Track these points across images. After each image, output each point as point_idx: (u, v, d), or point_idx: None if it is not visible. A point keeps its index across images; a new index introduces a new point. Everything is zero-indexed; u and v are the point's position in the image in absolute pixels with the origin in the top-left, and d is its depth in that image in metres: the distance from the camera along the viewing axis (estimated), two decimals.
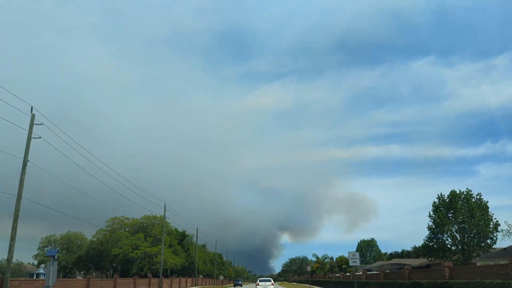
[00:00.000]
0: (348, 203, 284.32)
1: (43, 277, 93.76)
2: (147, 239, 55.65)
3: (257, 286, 43.46)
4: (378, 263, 78.06)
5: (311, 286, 51.95)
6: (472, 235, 37.53)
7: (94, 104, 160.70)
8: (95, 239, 64.69)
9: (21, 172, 19.92)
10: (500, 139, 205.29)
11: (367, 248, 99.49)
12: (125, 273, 58.36)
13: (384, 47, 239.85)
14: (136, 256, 52.21)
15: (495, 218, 37.02)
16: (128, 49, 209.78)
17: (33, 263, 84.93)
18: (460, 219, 38.25)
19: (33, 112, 20.55)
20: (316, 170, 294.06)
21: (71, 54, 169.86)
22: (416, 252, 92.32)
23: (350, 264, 24.98)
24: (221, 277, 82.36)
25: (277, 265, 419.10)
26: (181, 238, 70.23)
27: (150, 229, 57.92)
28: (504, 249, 35.51)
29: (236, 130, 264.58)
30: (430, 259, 41.06)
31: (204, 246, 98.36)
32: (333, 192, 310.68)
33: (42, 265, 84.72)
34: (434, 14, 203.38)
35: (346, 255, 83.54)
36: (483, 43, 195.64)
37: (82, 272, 73.47)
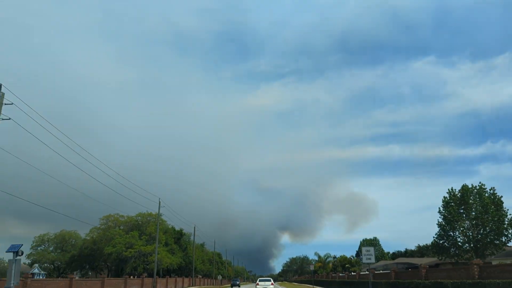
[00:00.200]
0: (348, 203, 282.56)
1: (37, 277, 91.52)
2: (142, 237, 53.33)
3: (257, 286, 43.14)
4: (382, 262, 75.67)
5: (314, 286, 49.55)
6: (485, 232, 35.15)
7: (94, 104, 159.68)
8: (88, 238, 62.54)
9: None
10: (500, 139, 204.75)
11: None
12: (119, 273, 56.04)
13: (384, 47, 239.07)
14: (130, 255, 49.88)
15: (511, 214, 34.66)
16: (128, 49, 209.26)
17: (26, 262, 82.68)
18: (472, 215, 35.88)
19: (2, 91, 18.17)
20: (316, 170, 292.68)
21: (71, 53, 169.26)
22: (421, 251, 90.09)
23: (364, 261, 22.48)
24: (220, 277, 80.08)
25: (277, 265, 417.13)
26: (178, 237, 67.81)
27: (145, 227, 55.57)
28: None
29: (236, 130, 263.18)
30: (440, 258, 38.64)
31: (202, 245, 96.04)
32: (333, 192, 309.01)
33: (36, 265, 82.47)
34: (434, 14, 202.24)
35: (348, 255, 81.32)
36: (483, 43, 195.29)
37: (75, 272, 71.20)
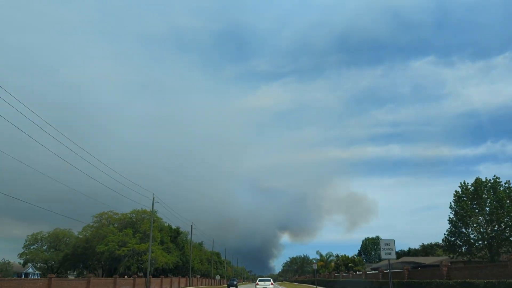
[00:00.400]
0: (348, 203, 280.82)
1: (31, 277, 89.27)
2: (136, 235, 50.94)
3: (257, 286, 43.05)
4: (385, 261, 73.36)
5: (317, 287, 47.09)
6: (501, 229, 32.76)
7: (93, 104, 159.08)
8: (81, 236, 60.32)
9: None
10: (500, 139, 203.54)
11: (371, 246, 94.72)
12: (112, 272, 53.67)
13: (384, 47, 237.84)
14: (123, 254, 47.50)
15: None
16: (127, 48, 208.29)
17: (19, 262, 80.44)
18: (486, 210, 33.52)
19: None
20: (316, 170, 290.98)
21: (70, 53, 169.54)
22: (425, 250, 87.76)
23: (383, 256, 19.72)
24: (218, 277, 77.72)
25: (277, 265, 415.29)
26: (175, 235, 65.43)
27: (139, 225, 53.16)
28: None
29: (236, 130, 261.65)
30: (452, 256, 36.23)
31: (200, 244, 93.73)
32: (333, 192, 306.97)
33: (30, 264, 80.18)
34: (434, 13, 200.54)
35: (348, 255, 78.82)
36: (483, 43, 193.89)
37: (69, 272, 68.92)
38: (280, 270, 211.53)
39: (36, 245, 75.05)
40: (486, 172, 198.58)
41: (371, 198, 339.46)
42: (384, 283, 25.41)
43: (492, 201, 33.47)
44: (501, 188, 33.69)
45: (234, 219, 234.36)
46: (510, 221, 31.98)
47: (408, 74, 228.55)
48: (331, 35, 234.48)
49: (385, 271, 30.00)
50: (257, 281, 45.09)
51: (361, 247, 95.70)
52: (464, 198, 35.17)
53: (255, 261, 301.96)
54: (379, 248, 19.92)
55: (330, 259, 68.19)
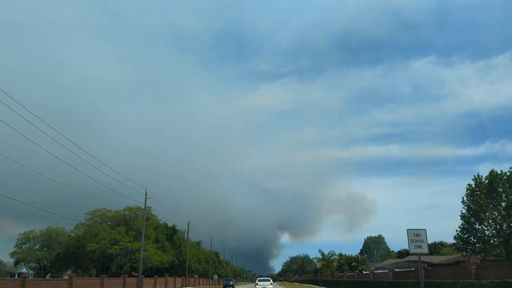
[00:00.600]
0: (348, 203, 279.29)
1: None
2: (129, 233, 48.53)
3: (256, 286, 42.85)
4: (389, 261, 71.01)
5: (320, 287, 44.64)
6: None
7: (93, 103, 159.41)
8: (73, 235, 58.02)
9: None
10: (500, 139, 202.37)
11: (374, 245, 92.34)
12: (104, 272, 51.28)
13: (384, 47, 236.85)
14: (115, 252, 45.10)
15: None
16: (127, 48, 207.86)
17: (11, 261, 78.07)
18: (502, 204, 31.15)
19: None
20: (316, 170, 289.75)
21: (70, 52, 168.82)
22: (429, 249, 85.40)
23: (412, 250, 16.88)
24: (216, 277, 75.44)
25: (277, 265, 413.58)
26: (171, 234, 63.02)
27: (133, 222, 50.74)
28: None
29: (236, 130, 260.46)
30: (465, 254, 33.83)
31: (198, 243, 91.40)
32: (333, 192, 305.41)
33: (22, 263, 77.93)
34: (434, 13, 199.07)
35: (352, 254, 76.35)
36: (483, 43, 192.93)
37: (64, 272, 66.65)
38: (280, 270, 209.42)
39: (28, 244, 72.69)
40: (486, 173, 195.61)
41: (371, 198, 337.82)
42: (396, 284, 22.86)
43: (508, 195, 31.13)
44: None
45: (234, 219, 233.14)
46: None
47: (408, 74, 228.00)
48: (331, 35, 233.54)
49: (396, 270, 27.65)
50: (257, 281, 44.85)
51: (363, 246, 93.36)
52: (478, 192, 32.81)
53: (255, 261, 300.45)
54: (409, 240, 16.73)
55: (332, 258, 65.76)
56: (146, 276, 51.36)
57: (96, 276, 51.94)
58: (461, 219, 33.99)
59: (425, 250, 17.58)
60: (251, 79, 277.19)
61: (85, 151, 32.36)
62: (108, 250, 45.03)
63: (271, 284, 42.79)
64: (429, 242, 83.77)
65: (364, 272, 44.28)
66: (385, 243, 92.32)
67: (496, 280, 14.66)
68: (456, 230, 33.88)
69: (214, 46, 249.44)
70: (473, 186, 33.40)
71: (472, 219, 33.00)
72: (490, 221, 31.71)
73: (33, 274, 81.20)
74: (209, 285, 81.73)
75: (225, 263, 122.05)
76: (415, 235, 17.26)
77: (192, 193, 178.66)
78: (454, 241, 34.41)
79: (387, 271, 29.21)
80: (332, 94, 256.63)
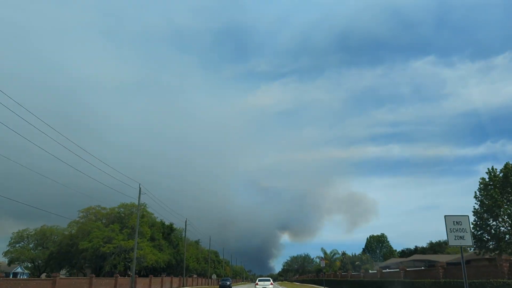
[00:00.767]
0: (348, 202, 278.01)
1: (20, 277, 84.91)
2: (123, 231, 46.53)
3: (256, 286, 43.00)
4: (393, 260, 69.00)
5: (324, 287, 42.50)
6: None
7: (93, 102, 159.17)
8: (67, 233, 56.16)
9: None
10: (500, 139, 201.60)
11: (376, 244, 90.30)
12: (98, 271, 49.32)
13: (385, 46, 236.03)
14: (108, 251, 43.10)
15: None
16: (127, 48, 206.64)
17: (3, 261, 76.14)
18: None
19: None
20: (316, 169, 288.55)
21: (69, 52, 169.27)
22: (433, 248, 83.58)
23: (451, 243, 13.30)
24: (214, 276, 73.57)
25: (277, 265, 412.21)
26: (168, 232, 61.01)
27: (128, 220, 48.75)
28: None
29: (236, 130, 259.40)
30: (478, 252, 31.77)
31: (197, 242, 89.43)
32: (333, 191, 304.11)
33: (17, 263, 76.13)
34: (434, 13, 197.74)
35: (356, 253, 74.30)
36: (483, 42, 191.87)
37: (60, 271, 64.79)
38: (280, 270, 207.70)
39: (22, 243, 70.75)
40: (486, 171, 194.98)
41: (371, 198, 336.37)
42: (411, 284, 20.67)
43: None
44: None
45: (234, 218, 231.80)
46: None
47: (408, 74, 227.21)
48: (331, 35, 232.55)
49: (407, 269, 25.56)
50: (257, 281, 44.92)
51: (365, 245, 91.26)
52: (492, 187, 30.76)
53: (255, 261, 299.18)
54: (448, 229, 13.14)
55: (334, 257, 63.66)
56: (141, 276, 49.38)
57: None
58: (474, 215, 31.93)
59: (469, 241, 14.17)
60: (251, 79, 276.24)
61: (78, 146, 31.30)
62: (101, 248, 43.07)
63: (271, 284, 42.94)
64: (430, 241, 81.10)
65: (370, 271, 42.11)
66: (388, 242, 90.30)
67: None
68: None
69: (214, 46, 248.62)
70: (487, 180, 31.35)
71: (486, 215, 30.97)
72: (505, 217, 29.69)
73: (28, 274, 79.31)
74: (208, 285, 79.77)
75: (225, 262, 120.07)
76: (455, 223, 13.95)
77: (192, 192, 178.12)
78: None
79: (397, 270, 27.07)
80: (332, 94, 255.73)
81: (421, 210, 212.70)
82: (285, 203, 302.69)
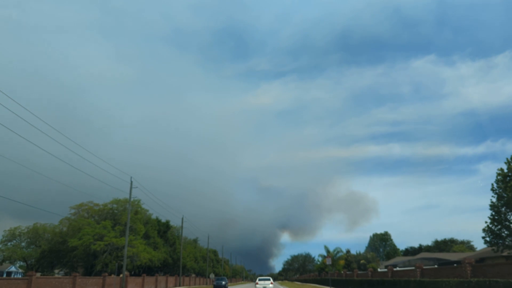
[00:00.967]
0: (348, 202, 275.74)
1: (14, 276, 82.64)
2: (115, 228, 44.14)
3: (256, 285, 43.06)
4: (398, 259, 66.66)
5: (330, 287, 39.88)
6: None
7: (93, 101, 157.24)
8: (57, 230, 53.82)
9: None
10: (500, 138, 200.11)
11: (380, 243, 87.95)
12: (89, 270, 46.95)
13: (385, 45, 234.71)
14: (99, 249, 40.72)
15: None
16: (128, 47, 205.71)
17: None
18: None
19: None
20: (316, 169, 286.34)
21: (70, 51, 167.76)
22: (438, 247, 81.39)
23: None
24: (212, 276, 71.31)
25: (277, 264, 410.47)
26: (164, 230, 58.62)
27: (121, 216, 46.36)
28: None
29: (236, 129, 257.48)
30: (496, 249, 29.38)
31: (195, 241, 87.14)
32: (334, 191, 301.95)
33: (7, 261, 73.83)
34: (435, 11, 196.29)
35: (360, 252, 71.89)
36: (483, 42, 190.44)
37: (45, 270, 62.47)
38: (280, 269, 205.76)
39: (15, 241, 68.39)
40: (486, 171, 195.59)
41: (371, 197, 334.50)
42: (431, 284, 18.07)
43: None
44: None
45: (234, 218, 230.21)
46: None
47: (409, 73, 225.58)
48: (331, 34, 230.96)
49: (424, 267, 22.99)
50: (257, 280, 44.84)
51: (368, 244, 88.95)
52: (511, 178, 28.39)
53: (255, 260, 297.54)
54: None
55: (338, 255, 61.37)
56: (134, 275, 47.00)
57: (82, 276, 47.67)
58: (491, 209, 29.58)
59: None
60: (252, 78, 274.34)
61: (74, 142, 29.77)
62: (92, 246, 40.68)
63: (271, 283, 42.81)
64: (436, 239, 78.81)
65: (379, 270, 39.79)
66: (391, 240, 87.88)
67: None
68: (486, 222, 29.44)
69: (214, 45, 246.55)
70: (505, 171, 28.96)
71: (504, 209, 28.61)
72: None
73: (22, 273, 77.23)
74: (206, 284, 77.43)
75: (224, 262, 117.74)
76: None
77: (191, 192, 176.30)
78: (483, 235, 29.93)
79: (412, 268, 24.57)
80: (332, 93, 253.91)
81: (421, 209, 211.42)
82: (286, 202, 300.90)
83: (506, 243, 28.86)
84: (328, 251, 62.37)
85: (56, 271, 63.58)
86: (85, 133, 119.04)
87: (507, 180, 28.50)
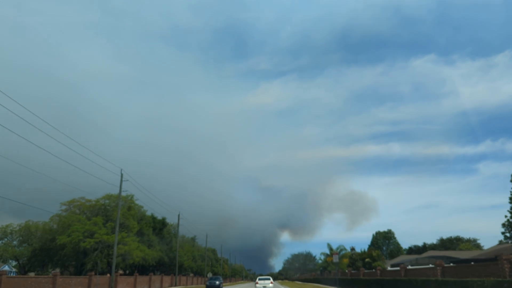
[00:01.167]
0: (348, 201, 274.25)
1: (8, 275, 80.00)
2: (107, 225, 41.73)
3: (256, 285, 43.03)
4: (403, 257, 64.33)
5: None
6: None
7: (93, 101, 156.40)
8: (47, 228, 51.48)
9: None
10: (500, 137, 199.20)
11: (383, 241, 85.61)
12: (79, 269, 44.60)
13: (385, 45, 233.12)
14: (89, 246, 38.33)
15: None
16: (127, 46, 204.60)
17: None
18: None
19: None
20: (316, 168, 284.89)
21: (70, 50, 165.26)
22: (444, 245, 79.18)
23: None
24: (210, 275, 69.09)
25: (277, 264, 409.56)
26: (160, 227, 56.23)
27: (113, 212, 43.95)
28: None
29: (236, 128, 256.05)
30: None
31: (193, 239, 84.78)
32: (334, 190, 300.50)
33: (1, 261, 71.59)
34: (435, 10, 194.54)
35: (364, 249, 69.51)
36: (483, 41, 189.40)
37: (37, 269, 60.28)
38: (280, 268, 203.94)
39: (6, 239, 66.06)
40: (486, 171, 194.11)
41: (371, 196, 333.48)
42: (458, 284, 15.66)
43: None
44: None
45: (234, 217, 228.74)
46: None
47: (409, 72, 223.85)
48: (331, 33, 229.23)
49: (445, 265, 20.65)
50: (257, 280, 44.81)
51: (371, 242, 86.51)
52: None
53: (255, 259, 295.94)
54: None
55: (342, 253, 58.98)
56: (127, 275, 44.63)
57: (74, 275, 45.31)
58: (510, 202, 27.28)
59: None
60: (251, 77, 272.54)
61: (68, 136, 29.22)
62: (81, 243, 38.30)
63: (271, 283, 42.61)
64: (441, 237, 76.42)
65: (389, 268, 37.39)
66: (395, 238, 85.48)
67: None
68: (506, 216, 27.09)
69: (214, 44, 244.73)
70: None
71: None
72: None
73: (16, 272, 75.19)
74: (204, 284, 75.16)
75: (223, 261, 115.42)
76: None
77: (191, 191, 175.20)
78: (503, 230, 27.58)
79: (431, 265, 22.23)
80: (332, 92, 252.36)
81: (422, 208, 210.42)
82: (285, 202, 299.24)
83: None
84: (331, 249, 60.00)
85: (51, 270, 61.44)
86: (83, 130, 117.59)
87: None
